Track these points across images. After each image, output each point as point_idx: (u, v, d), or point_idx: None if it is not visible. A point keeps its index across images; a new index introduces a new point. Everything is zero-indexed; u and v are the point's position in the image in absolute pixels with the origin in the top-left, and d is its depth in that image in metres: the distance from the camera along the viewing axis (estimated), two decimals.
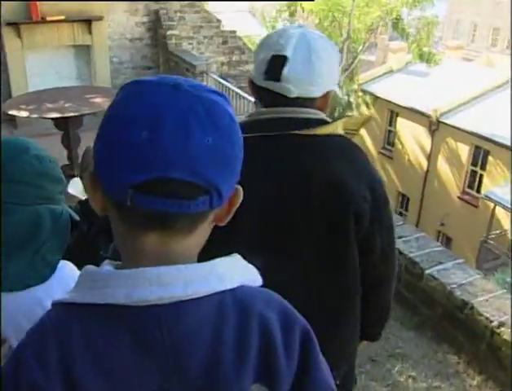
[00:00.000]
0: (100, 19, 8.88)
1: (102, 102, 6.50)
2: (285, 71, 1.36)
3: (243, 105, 6.59)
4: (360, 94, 19.04)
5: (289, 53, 1.36)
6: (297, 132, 1.36)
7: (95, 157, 0.75)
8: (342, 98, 17.97)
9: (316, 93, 1.40)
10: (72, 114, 6.04)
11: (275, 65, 1.37)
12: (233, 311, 0.79)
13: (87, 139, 6.13)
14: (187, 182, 0.70)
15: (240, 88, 9.85)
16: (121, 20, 9.42)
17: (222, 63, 10.41)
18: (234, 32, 10.52)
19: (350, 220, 1.41)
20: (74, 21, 8.75)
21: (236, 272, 0.81)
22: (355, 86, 19.18)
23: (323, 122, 1.40)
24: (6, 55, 8.70)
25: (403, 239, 2.98)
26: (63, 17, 8.55)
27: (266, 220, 1.39)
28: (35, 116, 6.09)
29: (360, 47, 19.06)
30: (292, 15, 19.17)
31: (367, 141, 19.95)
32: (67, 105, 6.34)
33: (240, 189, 0.80)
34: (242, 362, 0.78)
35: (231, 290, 0.78)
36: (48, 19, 8.47)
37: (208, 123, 0.71)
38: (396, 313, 2.91)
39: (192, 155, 0.70)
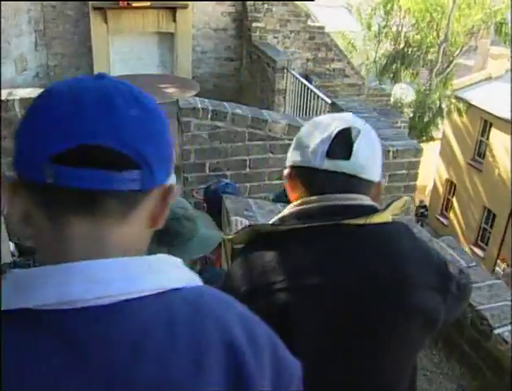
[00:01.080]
0: (185, 7, 8.75)
1: (174, 92, 6.37)
2: (356, 146, 1.16)
3: (320, 106, 6.22)
4: (453, 100, 18.03)
5: (359, 125, 1.18)
6: (360, 222, 1.16)
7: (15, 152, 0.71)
8: (433, 103, 17.11)
9: (377, 177, 1.23)
10: None
11: (344, 140, 1.16)
12: (184, 312, 0.72)
13: None
14: (113, 150, 0.67)
15: (322, 87, 9.49)
16: (207, 9, 9.26)
17: (308, 60, 10.05)
18: (322, 27, 10.11)
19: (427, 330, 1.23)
20: (159, 8, 8.68)
21: (180, 271, 0.76)
22: (449, 92, 18.20)
23: (376, 209, 1.20)
24: (92, 39, 8.79)
25: (474, 285, 2.55)
26: (148, 3, 8.50)
27: (328, 324, 1.16)
28: None
29: (457, 51, 18.04)
30: (388, 13, 18.44)
31: (456, 150, 18.98)
32: None
33: (175, 185, 0.77)
34: (201, 367, 0.70)
35: (178, 289, 0.72)
36: (134, 5, 8.44)
37: (131, 98, 0.71)
38: (454, 372, 2.50)
39: (116, 122, 0.68)
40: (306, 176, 1.22)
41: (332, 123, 1.20)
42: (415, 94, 18.16)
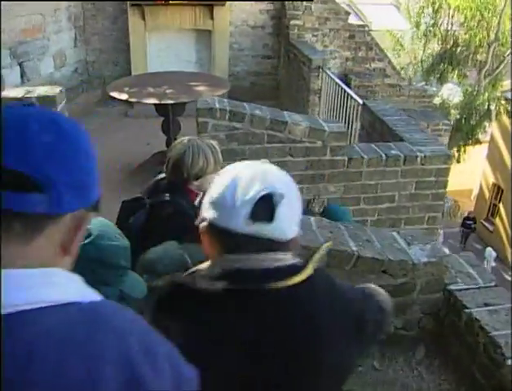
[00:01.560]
0: (223, 4, 8.66)
1: (204, 90, 6.28)
2: (278, 210, 1.12)
3: (352, 106, 6.00)
4: (503, 102, 17.41)
5: (282, 189, 1.14)
6: (283, 284, 1.14)
7: None
8: (481, 105, 16.55)
9: (296, 233, 1.20)
10: (168, 101, 5.86)
11: (266, 203, 1.12)
12: (80, 324, 0.73)
13: (188, 126, 5.96)
14: (18, 171, 0.69)
15: (361, 87, 9.26)
16: (245, 7, 9.15)
17: (347, 59, 9.83)
18: (363, 26, 9.88)
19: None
20: (197, 5, 8.61)
21: (78, 285, 0.77)
22: (498, 93, 17.58)
23: (298, 267, 1.18)
24: (130, 36, 8.81)
25: (490, 307, 2.36)
26: (185, 1, 8.45)
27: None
28: (133, 100, 5.99)
29: (508, 51, 17.39)
30: (436, 11, 17.93)
31: (504, 153, 18.33)
32: (168, 91, 6.18)
33: (90, 215, 0.79)
34: (96, 377, 0.71)
35: (76, 302, 0.74)
36: (171, 2, 8.41)
37: (48, 124, 0.74)
38: None
39: (25, 146, 0.71)
40: (225, 236, 1.15)
41: (252, 183, 1.14)
42: (462, 96, 17.65)
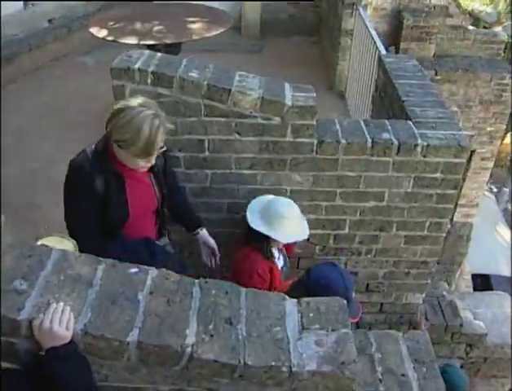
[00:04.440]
0: None
1: (197, 28, 5.25)
2: None
3: (372, 49, 4.82)
4: None
5: None
6: None
7: None
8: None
9: None
10: (149, 42, 4.90)
11: None
12: None
13: None
14: None
15: (416, 28, 7.85)
16: None
17: None
18: None
19: None
20: None
21: None
22: None
23: None
24: None
25: None
26: None
27: None
28: (110, 38, 5.04)
29: None
30: None
31: None
32: (156, 28, 5.20)
33: None
34: None
35: None
36: None
37: None
38: None
39: None
40: None
41: None
42: None
